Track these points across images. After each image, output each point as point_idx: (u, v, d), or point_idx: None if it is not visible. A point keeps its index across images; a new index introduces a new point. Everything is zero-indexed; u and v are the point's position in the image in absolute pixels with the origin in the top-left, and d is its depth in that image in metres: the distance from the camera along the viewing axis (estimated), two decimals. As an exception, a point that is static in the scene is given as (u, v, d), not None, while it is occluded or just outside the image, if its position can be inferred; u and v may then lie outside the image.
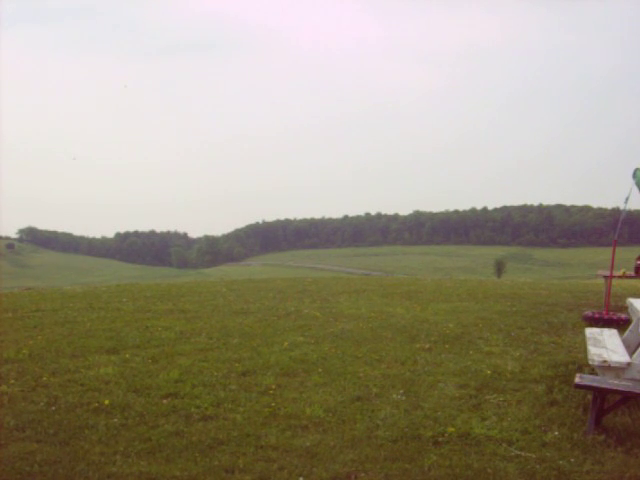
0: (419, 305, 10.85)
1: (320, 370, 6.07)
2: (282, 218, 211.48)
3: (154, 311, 9.98)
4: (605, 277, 9.91)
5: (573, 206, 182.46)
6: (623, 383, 4.57)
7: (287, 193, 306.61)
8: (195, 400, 5.05)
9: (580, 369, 5.94)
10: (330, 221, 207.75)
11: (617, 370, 4.90)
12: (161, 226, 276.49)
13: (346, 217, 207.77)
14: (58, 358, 6.47)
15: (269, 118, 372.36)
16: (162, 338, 7.60)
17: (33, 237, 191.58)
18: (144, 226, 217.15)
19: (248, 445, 4.14)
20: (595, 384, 4.47)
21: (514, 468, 3.80)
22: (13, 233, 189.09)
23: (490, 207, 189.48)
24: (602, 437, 4.24)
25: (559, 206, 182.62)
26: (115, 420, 4.57)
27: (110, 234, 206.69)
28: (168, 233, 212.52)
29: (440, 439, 4.25)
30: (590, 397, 4.61)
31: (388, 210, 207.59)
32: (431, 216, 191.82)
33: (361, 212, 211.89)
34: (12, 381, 5.55)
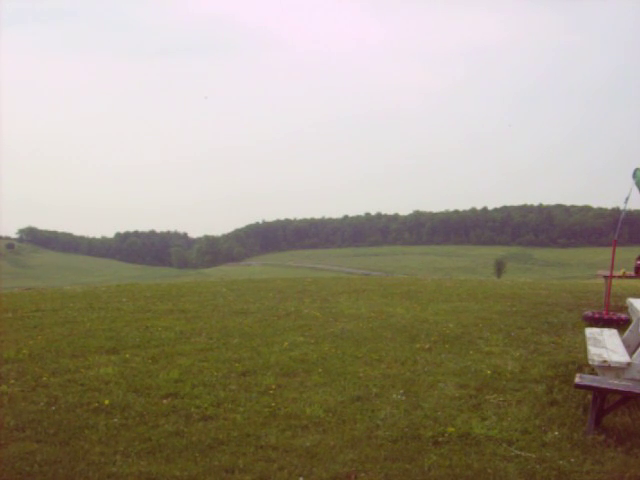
0: (419, 305, 10.84)
1: (320, 370, 6.07)
2: (282, 218, 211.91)
3: (154, 311, 9.98)
4: (605, 277, 9.90)
5: (573, 206, 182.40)
6: (623, 383, 4.57)
7: (287, 193, 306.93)
8: (195, 400, 5.05)
9: (580, 369, 5.94)
10: (330, 221, 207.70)
11: (617, 370, 4.90)
12: (161, 226, 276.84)
13: (346, 217, 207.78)
14: (58, 358, 6.47)
15: (269, 118, 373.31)
16: (162, 338, 7.60)
17: (33, 237, 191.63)
18: (144, 226, 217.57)
19: (248, 445, 4.14)
20: (595, 384, 4.47)
21: (514, 468, 3.80)
22: (13, 233, 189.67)
23: (490, 207, 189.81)
24: (602, 437, 4.24)
25: (559, 206, 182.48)
26: (115, 420, 4.58)
27: (110, 234, 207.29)
28: (168, 233, 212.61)
29: (440, 439, 4.25)
30: (590, 397, 4.62)
31: (388, 210, 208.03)
32: (431, 216, 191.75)
33: (361, 212, 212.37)
34: (12, 381, 5.55)
